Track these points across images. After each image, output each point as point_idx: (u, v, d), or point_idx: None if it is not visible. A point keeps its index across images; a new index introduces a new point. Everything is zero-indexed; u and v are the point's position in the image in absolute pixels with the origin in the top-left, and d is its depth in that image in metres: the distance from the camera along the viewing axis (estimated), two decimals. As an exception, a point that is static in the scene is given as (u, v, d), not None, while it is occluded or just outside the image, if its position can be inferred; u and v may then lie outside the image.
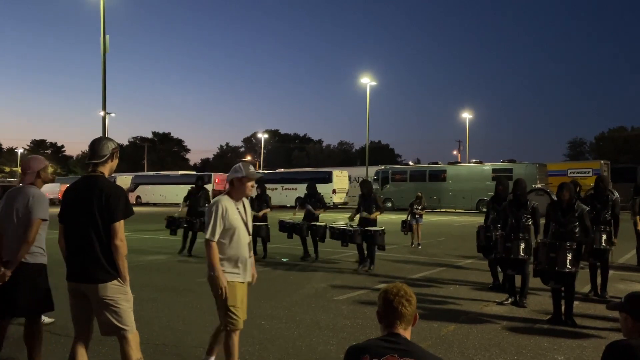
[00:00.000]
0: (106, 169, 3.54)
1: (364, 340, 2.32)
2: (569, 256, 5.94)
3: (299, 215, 11.60)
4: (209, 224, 3.91)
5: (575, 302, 6.36)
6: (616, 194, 7.72)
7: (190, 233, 11.90)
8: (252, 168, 4.12)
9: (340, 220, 13.01)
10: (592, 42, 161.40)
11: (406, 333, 2.25)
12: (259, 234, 10.90)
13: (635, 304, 2.38)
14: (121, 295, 3.38)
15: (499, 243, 6.90)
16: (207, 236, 3.89)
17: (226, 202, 3.99)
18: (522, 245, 6.69)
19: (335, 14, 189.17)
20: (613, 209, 7.51)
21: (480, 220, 9.20)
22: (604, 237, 7.27)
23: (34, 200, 4.03)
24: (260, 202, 11.46)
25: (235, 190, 4.08)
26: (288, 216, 12.48)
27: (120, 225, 3.35)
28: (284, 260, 7.97)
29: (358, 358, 2.17)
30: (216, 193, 41.77)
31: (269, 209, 11.48)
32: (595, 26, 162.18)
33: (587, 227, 6.18)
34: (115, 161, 3.61)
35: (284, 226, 11.49)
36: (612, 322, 5.93)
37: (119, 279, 3.37)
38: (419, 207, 13.96)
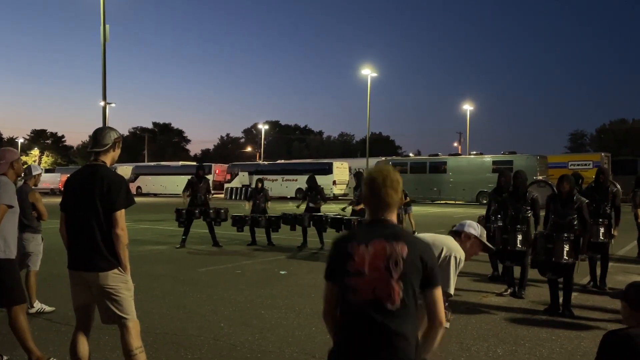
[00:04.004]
0: (108, 158, 3.53)
1: (352, 227, 2.26)
2: (566, 247, 5.96)
3: (302, 207, 11.92)
4: (450, 274, 3.23)
5: (574, 294, 6.38)
6: (618, 186, 7.71)
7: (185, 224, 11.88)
8: (484, 232, 3.52)
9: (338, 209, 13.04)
10: (593, 33, 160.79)
11: (393, 216, 2.21)
12: (259, 224, 11.75)
13: (633, 293, 2.40)
14: (122, 284, 3.39)
15: (497, 235, 6.93)
16: (451, 291, 3.21)
17: (462, 255, 3.32)
18: (520, 237, 6.70)
19: (335, 5, 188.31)
20: (613, 201, 7.50)
21: (480, 212, 9.20)
22: (602, 230, 7.27)
23: None
24: (259, 195, 12.27)
25: (461, 244, 3.45)
26: (291, 206, 12.85)
27: (121, 214, 3.35)
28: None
29: (346, 246, 2.13)
30: (216, 184, 41.92)
31: (268, 202, 12.45)
32: (596, 18, 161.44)
33: (585, 220, 6.19)
34: (118, 151, 3.59)
35: (286, 218, 11.69)
36: (610, 313, 5.95)
37: (119, 267, 3.38)
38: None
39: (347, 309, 2.11)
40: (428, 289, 2.13)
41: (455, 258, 3.31)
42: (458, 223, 3.67)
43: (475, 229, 3.51)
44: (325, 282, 2.22)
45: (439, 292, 2.15)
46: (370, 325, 2.04)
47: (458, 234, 3.53)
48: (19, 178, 4.78)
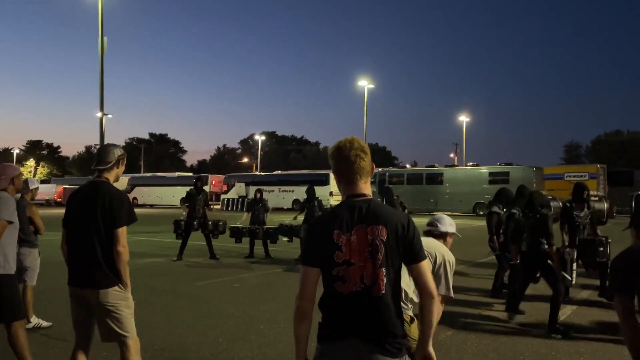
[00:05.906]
0: (111, 176, 3.54)
1: (329, 211, 2.27)
2: None
3: (299, 219, 11.81)
4: (449, 279, 3.54)
5: (573, 308, 6.38)
6: (604, 204, 7.55)
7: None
8: (450, 228, 3.83)
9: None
10: (589, 45, 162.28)
11: (367, 187, 2.23)
12: (256, 236, 11.70)
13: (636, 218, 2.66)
14: (122, 301, 3.37)
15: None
16: (452, 294, 3.52)
17: (453, 258, 3.65)
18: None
19: (333, 16, 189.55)
20: (593, 217, 7.40)
21: (478, 223, 9.05)
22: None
23: None
24: (258, 206, 12.18)
25: (447, 244, 3.82)
26: (289, 219, 12.75)
27: (122, 231, 3.35)
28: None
29: (330, 234, 2.12)
30: (212, 195, 41.83)
31: (267, 213, 12.35)
32: (592, 30, 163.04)
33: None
34: (122, 168, 3.61)
35: (283, 229, 11.65)
36: (610, 328, 5.94)
37: (120, 285, 3.37)
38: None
39: (335, 298, 2.14)
40: (413, 264, 2.16)
41: (450, 262, 3.56)
42: (430, 220, 3.81)
43: (453, 225, 3.80)
44: (304, 267, 2.18)
45: (424, 265, 2.16)
46: (360, 312, 2.10)
47: (442, 235, 3.74)
48: None
